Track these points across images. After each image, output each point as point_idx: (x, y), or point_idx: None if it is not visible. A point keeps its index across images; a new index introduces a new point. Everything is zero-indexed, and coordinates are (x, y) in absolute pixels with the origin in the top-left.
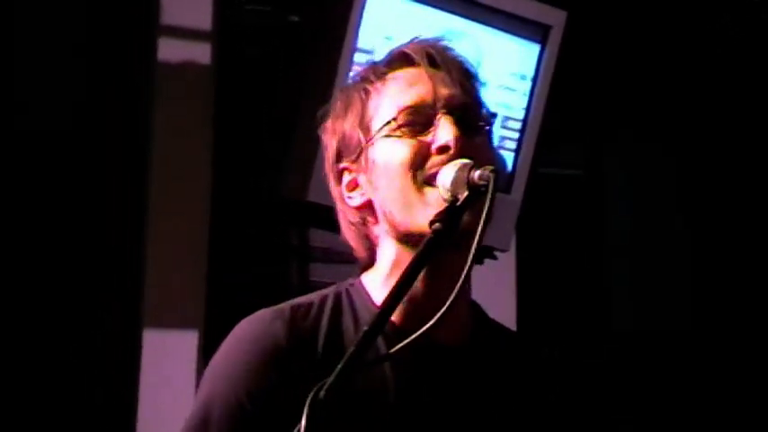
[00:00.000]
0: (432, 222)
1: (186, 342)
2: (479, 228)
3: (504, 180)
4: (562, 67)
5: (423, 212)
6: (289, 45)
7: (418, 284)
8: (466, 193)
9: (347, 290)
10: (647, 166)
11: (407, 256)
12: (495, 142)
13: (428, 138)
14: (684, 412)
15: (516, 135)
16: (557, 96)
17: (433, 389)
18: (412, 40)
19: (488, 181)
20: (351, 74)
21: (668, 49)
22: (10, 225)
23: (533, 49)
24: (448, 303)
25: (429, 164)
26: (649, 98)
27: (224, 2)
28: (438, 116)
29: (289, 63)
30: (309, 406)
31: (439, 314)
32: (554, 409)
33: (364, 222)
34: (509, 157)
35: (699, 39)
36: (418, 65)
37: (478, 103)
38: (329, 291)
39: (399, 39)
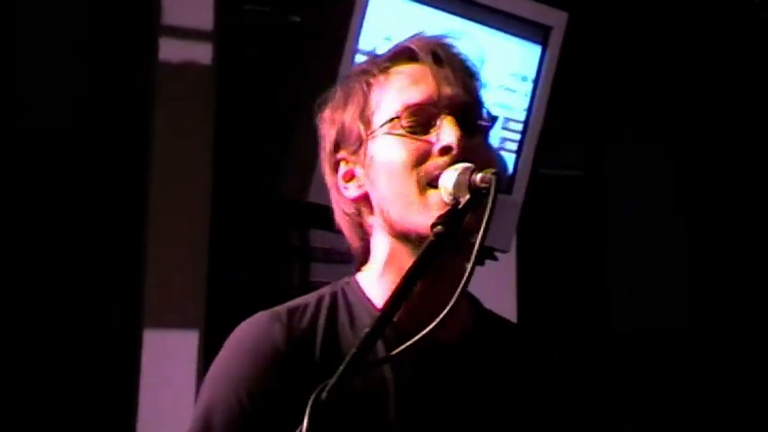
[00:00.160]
0: (434, 225)
1: (186, 342)
2: (481, 231)
3: (505, 182)
4: (563, 69)
5: (422, 214)
6: (289, 45)
7: (418, 286)
8: (468, 197)
9: (343, 288)
10: (648, 167)
11: (401, 250)
12: (496, 144)
13: (430, 137)
14: (684, 413)
15: (517, 136)
16: (558, 97)
17: (434, 387)
18: (415, 36)
19: (490, 184)
20: None
21: (669, 50)
22: (10, 225)
23: (534, 50)
24: (449, 307)
25: (430, 164)
26: (650, 99)
27: (224, 2)
28: (440, 116)
29: (289, 63)
30: (311, 407)
31: (440, 317)
32: (554, 408)
33: (359, 213)
34: (510, 159)
35: (699, 40)
36: (422, 61)
37: (479, 103)
38: (325, 290)
39: (400, 40)
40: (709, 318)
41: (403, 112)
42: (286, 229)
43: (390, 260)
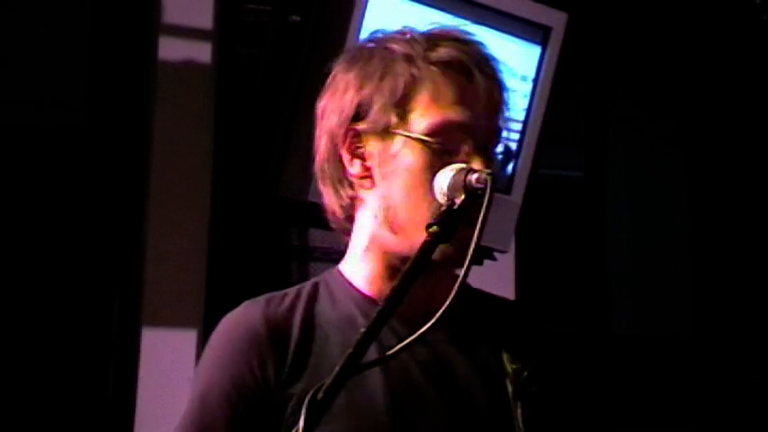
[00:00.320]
0: (429, 225)
1: (185, 340)
2: (477, 231)
3: (503, 182)
4: (563, 69)
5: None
6: (289, 45)
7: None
8: (463, 197)
9: (325, 278)
10: (648, 168)
11: (385, 236)
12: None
13: (458, 158)
14: (684, 415)
15: (517, 136)
16: (557, 98)
17: (423, 374)
18: (458, 33)
19: (485, 184)
20: None
21: (668, 51)
22: (9, 224)
23: (534, 50)
24: (444, 307)
25: None
26: (650, 100)
27: (224, 1)
28: (472, 142)
29: (289, 62)
30: (307, 407)
31: (436, 317)
32: (547, 381)
33: (351, 186)
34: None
35: (699, 40)
36: (472, 79)
37: (503, 127)
38: (308, 282)
39: (443, 24)
40: (709, 320)
41: (442, 127)
42: (285, 229)
43: (372, 244)
